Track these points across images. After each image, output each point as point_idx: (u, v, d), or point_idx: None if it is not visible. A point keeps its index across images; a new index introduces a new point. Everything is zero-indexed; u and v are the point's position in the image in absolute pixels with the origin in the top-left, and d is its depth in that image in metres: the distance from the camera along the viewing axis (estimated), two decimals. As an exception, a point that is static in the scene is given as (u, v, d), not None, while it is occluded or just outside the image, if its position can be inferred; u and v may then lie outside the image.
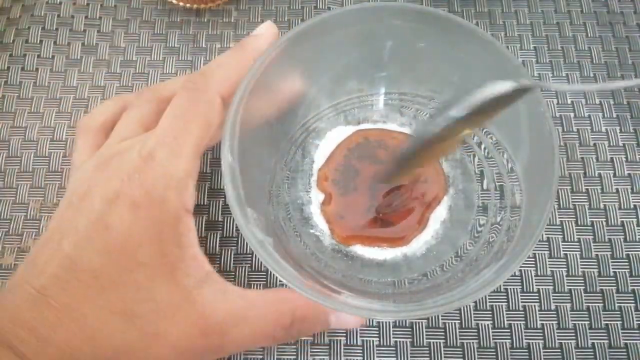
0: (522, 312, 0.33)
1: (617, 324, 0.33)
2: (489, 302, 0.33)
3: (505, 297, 0.33)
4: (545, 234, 0.35)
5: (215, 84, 0.28)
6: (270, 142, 0.34)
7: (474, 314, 0.33)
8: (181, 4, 0.41)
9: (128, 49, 0.40)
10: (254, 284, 0.34)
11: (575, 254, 0.35)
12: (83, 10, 0.41)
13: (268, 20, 0.33)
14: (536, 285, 0.34)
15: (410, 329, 0.33)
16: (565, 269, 0.34)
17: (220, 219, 0.35)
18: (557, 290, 0.34)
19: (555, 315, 0.33)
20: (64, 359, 0.23)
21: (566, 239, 0.35)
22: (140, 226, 0.25)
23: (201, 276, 0.25)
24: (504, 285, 0.34)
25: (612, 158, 0.37)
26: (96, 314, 0.23)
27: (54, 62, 0.40)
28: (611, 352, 0.32)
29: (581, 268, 0.34)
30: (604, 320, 0.33)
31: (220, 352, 0.26)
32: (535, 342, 0.33)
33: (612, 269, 0.34)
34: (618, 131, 0.38)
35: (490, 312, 0.33)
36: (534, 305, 0.33)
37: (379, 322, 0.33)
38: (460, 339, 0.33)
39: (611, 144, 0.37)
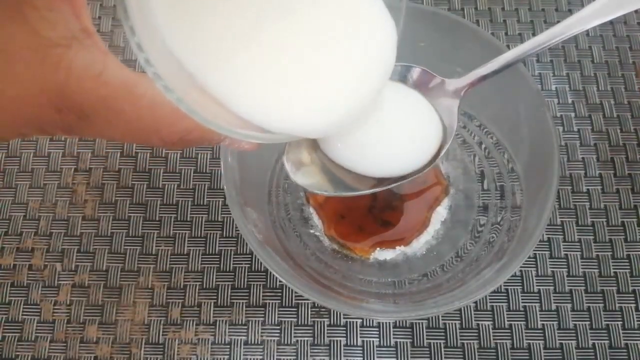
0: (523, 313, 0.33)
1: (617, 324, 0.33)
2: (490, 302, 0.33)
3: (505, 297, 0.33)
4: (546, 234, 0.35)
5: None
6: (270, 141, 0.34)
7: (474, 314, 0.33)
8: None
9: (127, 49, 0.40)
10: (253, 284, 0.34)
11: (576, 254, 0.34)
12: (82, 9, 0.41)
13: None
14: (537, 285, 0.34)
15: (410, 329, 0.33)
16: (566, 269, 0.34)
17: (220, 219, 0.35)
18: (557, 290, 0.34)
19: (555, 316, 0.33)
20: None
21: (567, 239, 0.35)
22: None
23: (69, 31, 0.17)
24: (504, 285, 0.34)
25: (612, 158, 0.37)
26: None
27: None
28: (612, 353, 0.32)
29: (582, 268, 0.34)
30: (605, 321, 0.33)
31: (74, 132, 0.19)
32: (536, 343, 0.32)
33: (613, 269, 0.34)
34: (619, 131, 0.38)
35: (490, 313, 0.33)
36: (535, 306, 0.33)
37: (379, 323, 0.33)
38: (460, 339, 0.33)
39: (612, 144, 0.37)
